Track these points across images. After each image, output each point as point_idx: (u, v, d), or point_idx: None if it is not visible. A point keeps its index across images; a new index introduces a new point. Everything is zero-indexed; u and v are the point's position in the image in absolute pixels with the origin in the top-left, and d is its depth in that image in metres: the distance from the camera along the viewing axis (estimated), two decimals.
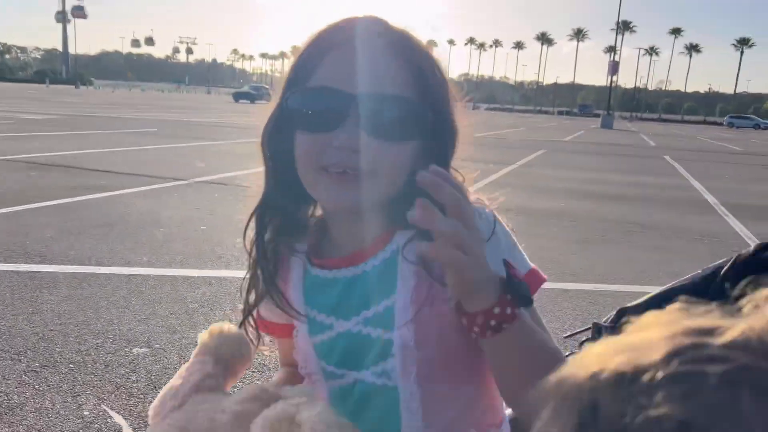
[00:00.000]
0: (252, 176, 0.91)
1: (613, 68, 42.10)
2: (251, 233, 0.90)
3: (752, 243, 5.39)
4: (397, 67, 0.79)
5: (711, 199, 8.71)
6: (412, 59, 0.80)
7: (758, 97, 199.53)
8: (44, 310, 3.30)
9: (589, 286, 4.23)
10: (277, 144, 0.84)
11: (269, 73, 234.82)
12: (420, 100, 0.80)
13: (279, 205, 0.88)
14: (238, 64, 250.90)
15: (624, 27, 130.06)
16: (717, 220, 7.07)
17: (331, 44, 0.80)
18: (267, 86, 71.90)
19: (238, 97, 55.15)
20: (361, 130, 0.77)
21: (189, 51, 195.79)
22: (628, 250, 5.39)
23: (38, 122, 16.39)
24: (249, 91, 56.56)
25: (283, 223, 0.90)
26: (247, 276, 0.93)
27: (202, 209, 6.07)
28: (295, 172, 0.83)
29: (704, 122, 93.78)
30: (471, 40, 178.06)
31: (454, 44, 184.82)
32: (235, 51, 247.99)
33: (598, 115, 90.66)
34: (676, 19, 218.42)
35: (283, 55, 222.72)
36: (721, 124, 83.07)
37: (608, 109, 42.17)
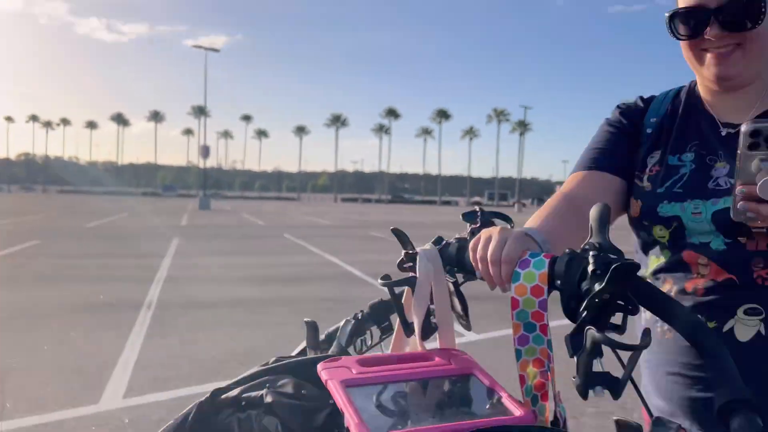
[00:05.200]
0: None
1: (204, 151, 44.53)
2: None
3: None
4: None
5: (356, 272, 10.65)
6: None
7: (313, 175, 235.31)
8: None
9: None
10: None
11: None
12: None
13: None
14: None
15: (200, 112, 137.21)
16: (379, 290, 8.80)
17: None
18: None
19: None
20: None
21: None
22: None
23: None
24: None
25: None
26: None
27: None
28: None
29: (278, 198, 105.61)
30: (34, 118, 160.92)
31: (13, 121, 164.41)
32: None
33: (182, 195, 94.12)
34: (247, 107, 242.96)
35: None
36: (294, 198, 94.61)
37: (204, 190, 44.10)
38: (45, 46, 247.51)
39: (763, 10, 1.06)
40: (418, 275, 0.90)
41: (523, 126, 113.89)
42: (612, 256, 0.72)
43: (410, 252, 0.94)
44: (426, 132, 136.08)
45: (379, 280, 0.92)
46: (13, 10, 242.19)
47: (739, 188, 0.87)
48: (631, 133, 1.27)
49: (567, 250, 0.77)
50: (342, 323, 1.09)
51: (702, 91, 1.24)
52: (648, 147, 1.24)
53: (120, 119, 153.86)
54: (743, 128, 0.86)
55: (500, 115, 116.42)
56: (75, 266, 10.33)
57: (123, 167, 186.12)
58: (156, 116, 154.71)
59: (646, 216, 1.17)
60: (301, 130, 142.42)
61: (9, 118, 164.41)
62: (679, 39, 1.16)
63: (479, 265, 0.86)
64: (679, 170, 1.17)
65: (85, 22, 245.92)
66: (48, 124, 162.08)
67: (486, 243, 0.86)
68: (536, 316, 0.76)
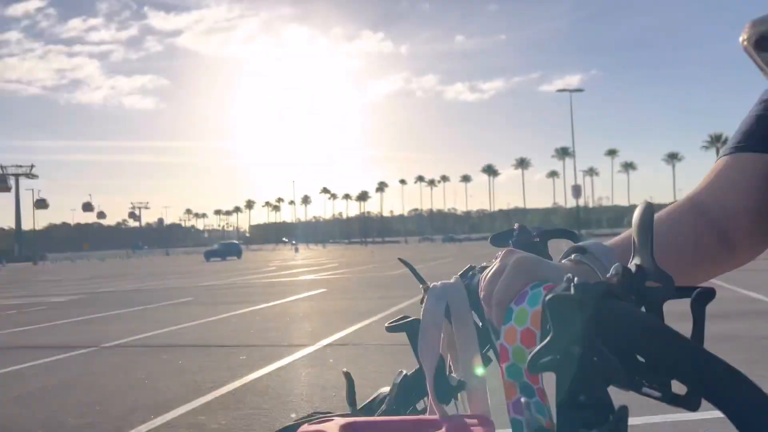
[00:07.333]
0: None
1: (576, 191, 44.78)
2: None
3: None
4: None
5: None
6: None
7: None
8: None
9: None
10: None
11: (224, 228, 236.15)
12: None
13: None
14: (191, 223, 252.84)
15: (564, 153, 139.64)
16: None
17: None
18: (237, 241, 69.65)
19: (209, 255, 54.68)
20: None
21: (132, 216, 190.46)
22: None
23: (71, 304, 15.28)
24: (218, 249, 56.77)
25: None
26: None
27: None
28: None
29: None
30: (420, 178, 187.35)
31: (405, 183, 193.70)
32: (188, 211, 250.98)
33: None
34: (611, 142, 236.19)
35: (237, 209, 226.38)
36: None
37: (578, 230, 44.05)
38: (422, 116, 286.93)
39: None
40: (421, 318, 0.68)
41: None
42: (652, 284, 0.45)
43: (423, 287, 0.73)
44: None
45: (386, 325, 0.74)
46: (397, 89, 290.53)
47: None
48: None
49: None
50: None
51: None
52: None
53: (489, 170, 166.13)
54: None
55: None
56: None
57: (494, 214, 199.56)
58: (522, 163, 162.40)
59: None
60: (672, 157, 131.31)
61: (402, 181, 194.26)
62: None
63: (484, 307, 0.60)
64: None
65: (451, 88, 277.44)
66: (431, 183, 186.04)
67: (487, 275, 0.59)
68: (531, 376, 0.52)
